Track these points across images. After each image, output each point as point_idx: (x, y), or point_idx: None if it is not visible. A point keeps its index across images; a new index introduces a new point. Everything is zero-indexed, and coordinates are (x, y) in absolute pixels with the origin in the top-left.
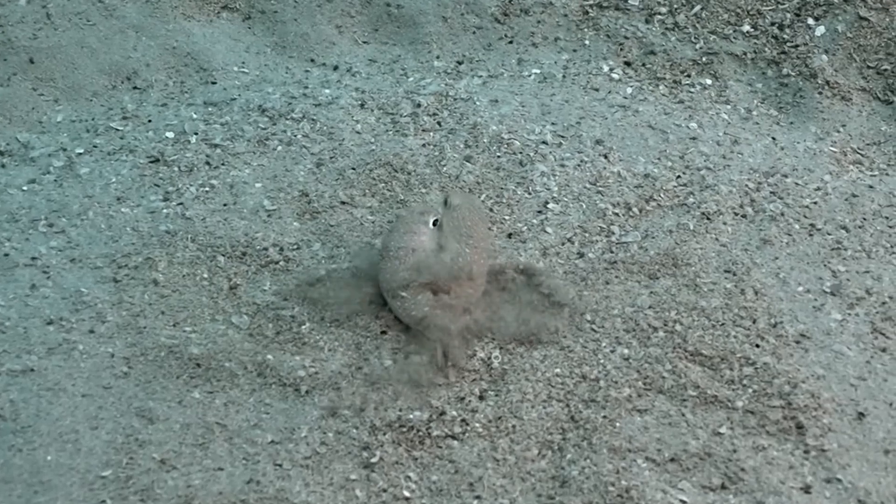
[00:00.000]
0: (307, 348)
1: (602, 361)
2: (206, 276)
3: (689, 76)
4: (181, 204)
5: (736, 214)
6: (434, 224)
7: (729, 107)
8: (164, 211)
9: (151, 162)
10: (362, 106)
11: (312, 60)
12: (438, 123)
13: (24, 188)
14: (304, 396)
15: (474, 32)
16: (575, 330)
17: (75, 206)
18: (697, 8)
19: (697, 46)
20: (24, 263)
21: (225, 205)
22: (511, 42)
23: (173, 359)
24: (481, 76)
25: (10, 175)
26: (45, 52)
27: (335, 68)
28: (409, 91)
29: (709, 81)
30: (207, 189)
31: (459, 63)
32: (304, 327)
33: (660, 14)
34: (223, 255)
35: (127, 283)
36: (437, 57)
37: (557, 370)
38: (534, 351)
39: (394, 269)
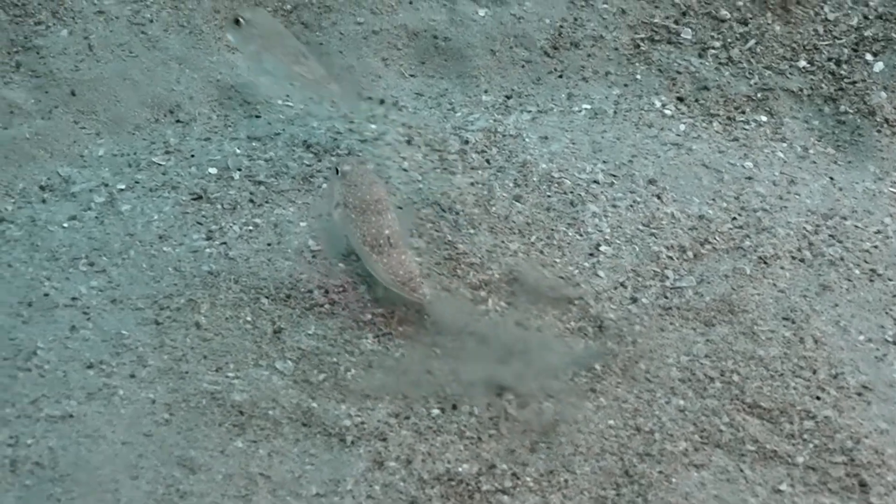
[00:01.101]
0: (353, 396)
1: (657, 413)
2: (249, 318)
3: (743, 112)
4: (224, 243)
5: (794, 258)
6: None
7: (785, 145)
8: (207, 250)
9: (194, 199)
10: (409, 142)
11: (358, 94)
12: (487, 161)
13: (65, 225)
14: (349, 447)
15: (523, 66)
16: (629, 380)
17: (116, 245)
18: (752, 42)
19: (752, 82)
20: (64, 304)
21: (269, 245)
22: (561, 76)
23: (216, 406)
24: (530, 111)
25: (50, 211)
26: (86, 84)
27: (381, 102)
28: (457, 126)
29: (764, 118)
30: (251, 228)
31: (508, 97)
32: (349, 374)
33: (713, 48)
34: (267, 298)
35: (169, 326)
36: (486, 91)
37: (611, 422)
38: (586, 402)
39: (379, 223)
